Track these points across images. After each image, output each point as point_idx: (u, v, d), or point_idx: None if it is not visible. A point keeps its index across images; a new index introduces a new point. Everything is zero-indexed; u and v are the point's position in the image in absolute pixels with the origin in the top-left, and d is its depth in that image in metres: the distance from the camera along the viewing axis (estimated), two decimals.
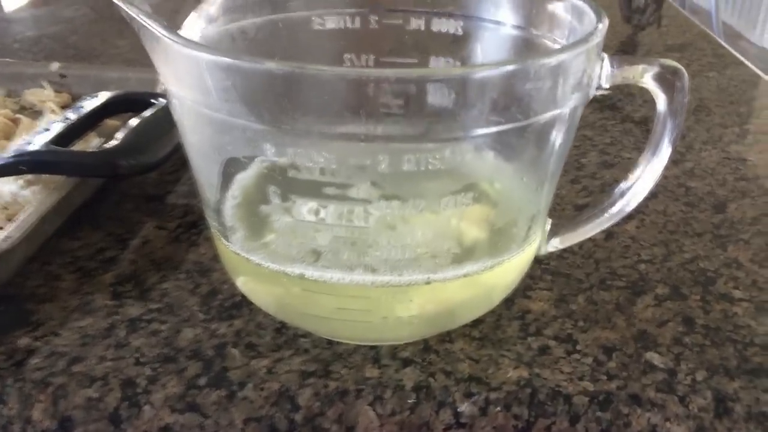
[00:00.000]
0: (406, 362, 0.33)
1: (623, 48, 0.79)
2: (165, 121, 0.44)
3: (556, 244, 0.34)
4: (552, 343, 0.34)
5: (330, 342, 0.34)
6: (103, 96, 0.47)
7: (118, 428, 0.30)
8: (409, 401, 0.31)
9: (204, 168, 0.30)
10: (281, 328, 0.34)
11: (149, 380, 0.32)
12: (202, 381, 0.32)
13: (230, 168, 0.29)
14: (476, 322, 0.35)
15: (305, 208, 0.27)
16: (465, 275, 0.30)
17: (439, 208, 0.27)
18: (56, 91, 0.55)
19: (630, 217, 0.43)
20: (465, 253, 0.29)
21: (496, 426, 0.30)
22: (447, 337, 0.34)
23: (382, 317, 0.30)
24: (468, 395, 0.31)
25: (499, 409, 0.31)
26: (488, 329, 0.34)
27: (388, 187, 0.26)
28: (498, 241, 0.31)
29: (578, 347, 0.33)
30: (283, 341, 0.34)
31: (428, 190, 0.27)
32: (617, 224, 0.42)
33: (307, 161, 0.25)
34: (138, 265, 0.39)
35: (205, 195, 0.31)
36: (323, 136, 0.25)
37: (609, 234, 0.42)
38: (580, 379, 0.32)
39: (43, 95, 0.55)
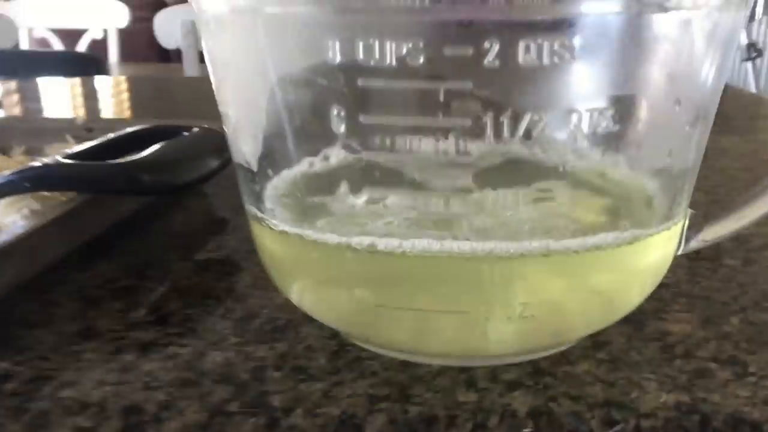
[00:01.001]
0: (513, 385, 0.24)
1: None
2: (195, 146, 0.38)
3: (703, 238, 0.26)
4: (712, 365, 0.25)
5: (405, 363, 0.25)
6: (132, 128, 0.41)
7: None
8: (525, 430, 0.22)
9: (246, 108, 0.23)
10: (339, 350, 0.26)
11: (161, 407, 0.23)
12: (233, 407, 0.23)
13: (283, 100, 0.22)
14: (599, 344, 0.26)
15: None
16: (594, 247, 0.21)
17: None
18: None
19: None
20: (588, 227, 0.21)
21: None
22: (562, 359, 0.25)
23: (482, 317, 0.22)
24: (609, 423, 0.22)
25: None
26: (617, 351, 0.25)
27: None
28: (630, 217, 0.23)
29: (750, 369, 0.24)
30: (342, 364, 0.25)
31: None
32: (756, 250, 0.34)
33: None
34: (156, 293, 0.31)
35: (246, 158, 0.24)
36: None
37: (747, 260, 0.33)
38: (766, 404, 0.22)
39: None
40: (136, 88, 1.04)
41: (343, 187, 0.21)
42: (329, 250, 0.22)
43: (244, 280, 0.33)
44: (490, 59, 0.18)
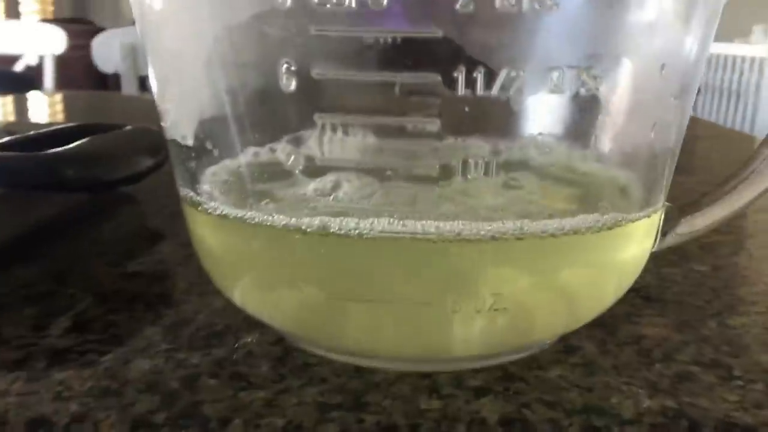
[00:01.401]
0: (481, 391, 0.21)
1: None
2: (127, 142, 0.35)
3: (678, 232, 0.24)
4: (695, 368, 0.22)
5: (359, 370, 0.22)
6: (58, 126, 0.37)
7: None
8: None
9: (181, 68, 0.20)
10: (284, 356, 0.23)
11: (74, 418, 0.20)
12: (159, 418, 0.20)
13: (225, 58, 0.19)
14: (571, 349, 0.23)
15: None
16: (573, 231, 0.19)
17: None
18: None
19: (738, 249, 0.34)
20: (565, 212, 0.19)
21: None
22: (532, 363, 0.23)
23: (448, 309, 0.19)
24: (589, 430, 0.19)
25: None
26: (591, 355, 0.23)
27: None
28: (609, 201, 0.21)
29: (735, 373, 0.22)
30: (287, 371, 0.22)
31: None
32: (724, 257, 0.32)
33: None
34: (76, 299, 0.28)
35: (181, 131, 0.21)
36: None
37: (715, 266, 0.32)
38: (758, 407, 0.20)
39: None
40: (70, 105, 1.00)
41: (291, 161, 0.19)
42: (275, 234, 0.19)
43: (178, 286, 0.29)
44: (463, 3, 0.15)
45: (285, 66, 0.17)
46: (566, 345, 0.24)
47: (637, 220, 0.21)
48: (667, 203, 0.24)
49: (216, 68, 0.19)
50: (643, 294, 0.28)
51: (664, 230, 0.24)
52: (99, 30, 2.61)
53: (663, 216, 0.24)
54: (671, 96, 0.19)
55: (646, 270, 0.29)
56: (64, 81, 2.33)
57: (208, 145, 0.20)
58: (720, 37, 3.34)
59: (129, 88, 1.75)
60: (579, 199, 0.21)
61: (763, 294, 0.29)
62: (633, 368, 0.22)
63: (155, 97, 0.22)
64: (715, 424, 0.20)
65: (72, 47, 2.33)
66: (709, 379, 0.22)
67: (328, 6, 0.16)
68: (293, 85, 0.17)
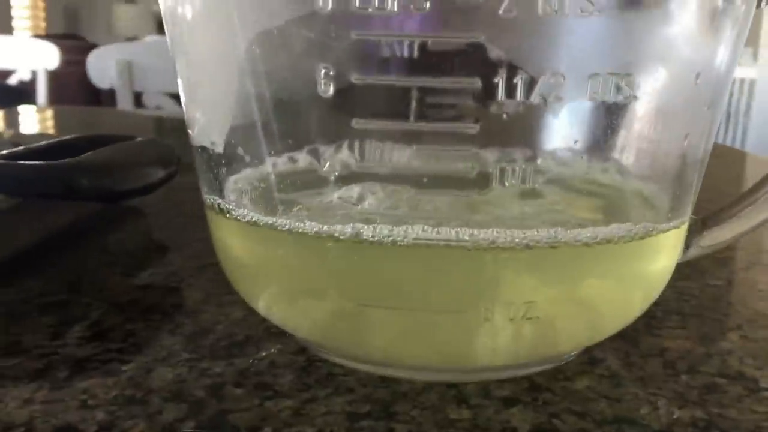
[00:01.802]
0: (510, 401, 0.21)
1: None
2: (139, 153, 0.35)
3: (704, 244, 0.24)
4: (720, 380, 0.22)
5: (384, 379, 0.22)
6: (68, 136, 0.37)
7: None
8: None
9: (212, 73, 0.20)
10: (308, 366, 0.23)
11: (101, 426, 0.19)
12: (188, 426, 0.19)
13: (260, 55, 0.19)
14: (595, 361, 0.23)
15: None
16: (605, 240, 0.19)
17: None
18: None
19: (752, 264, 0.34)
20: (597, 222, 0.19)
21: None
22: (558, 374, 0.22)
23: (481, 317, 0.19)
24: None
25: None
26: (617, 367, 0.23)
27: None
28: (641, 211, 0.21)
29: (762, 385, 0.22)
30: (313, 380, 0.22)
31: None
32: (738, 271, 0.33)
33: None
34: (93, 308, 0.27)
35: (210, 137, 0.21)
36: None
37: (730, 281, 0.32)
38: None
39: None
40: (64, 119, 0.99)
41: (326, 168, 0.19)
42: (307, 241, 0.19)
43: (193, 296, 0.29)
44: (507, 8, 0.15)
45: (323, 71, 0.17)
46: (590, 357, 0.24)
47: (667, 230, 0.21)
48: (692, 216, 0.24)
49: (248, 73, 0.19)
50: (662, 307, 0.28)
51: (687, 243, 0.24)
52: (91, 46, 2.61)
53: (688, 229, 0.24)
54: (704, 105, 0.20)
55: None
56: (57, 96, 2.33)
57: (239, 152, 0.20)
58: None
59: (124, 103, 1.75)
60: (611, 210, 0.21)
61: None
62: (659, 380, 0.22)
63: (183, 104, 0.22)
64: None
65: (64, 63, 2.33)
66: (736, 391, 0.22)
67: (370, 10, 0.16)
68: (331, 91, 0.17)
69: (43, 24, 4.62)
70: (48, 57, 2.28)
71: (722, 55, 0.19)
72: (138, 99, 1.81)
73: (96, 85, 1.93)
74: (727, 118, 3.39)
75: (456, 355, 0.20)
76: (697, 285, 0.31)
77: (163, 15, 0.21)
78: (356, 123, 0.17)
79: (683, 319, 0.27)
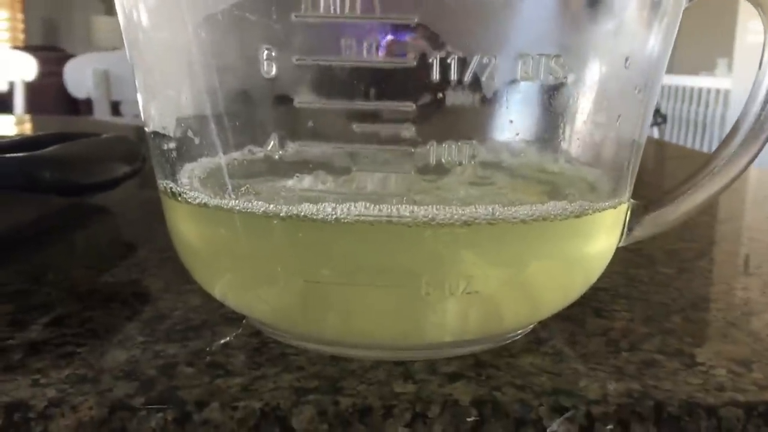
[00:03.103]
0: (454, 377, 0.22)
1: None
2: (104, 148, 0.35)
3: (644, 227, 0.25)
4: (659, 357, 0.23)
5: (335, 358, 0.22)
6: (33, 133, 0.38)
7: None
8: (469, 419, 0.20)
9: (163, 58, 0.21)
10: (261, 347, 0.23)
11: (52, 403, 0.20)
12: (137, 401, 0.20)
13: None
14: (541, 340, 0.24)
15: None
16: (542, 218, 0.20)
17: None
18: None
19: (702, 255, 0.35)
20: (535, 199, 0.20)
21: None
22: (504, 352, 0.23)
23: (422, 291, 0.20)
24: (557, 410, 0.20)
25: (611, 426, 0.20)
26: (561, 345, 0.24)
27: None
28: (577, 190, 0.21)
29: (699, 360, 0.23)
30: (264, 360, 0.22)
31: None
32: (689, 261, 0.34)
33: None
34: (53, 297, 0.28)
35: (162, 122, 0.21)
36: None
37: (681, 269, 0.33)
38: (720, 390, 0.21)
39: None
40: (42, 128, 0.99)
41: (271, 144, 0.19)
42: (254, 221, 0.20)
43: (154, 286, 0.30)
44: None
45: (266, 53, 0.18)
46: (536, 337, 0.24)
47: (603, 210, 0.21)
48: (632, 200, 0.25)
49: (195, 58, 0.19)
50: (611, 292, 0.29)
51: (630, 225, 0.25)
52: (70, 57, 2.60)
53: (629, 212, 0.25)
54: (635, 89, 0.20)
55: (615, 272, 0.30)
56: (35, 107, 2.32)
57: (189, 135, 0.21)
58: (685, 70, 3.42)
59: (101, 112, 1.75)
60: (548, 192, 0.22)
61: (724, 293, 0.30)
62: (600, 356, 0.23)
63: (139, 96, 0.22)
64: (679, 404, 0.20)
65: (43, 74, 2.32)
66: (673, 366, 0.23)
67: None
68: (274, 71, 0.18)
69: (21, 36, 4.60)
70: (26, 68, 2.27)
71: (653, 41, 0.20)
72: (116, 108, 1.81)
73: (73, 95, 1.92)
74: (703, 128, 3.44)
75: (401, 331, 0.21)
76: (647, 272, 0.31)
77: (117, 11, 0.21)
78: (298, 103, 0.18)
79: (630, 303, 0.28)
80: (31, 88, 2.30)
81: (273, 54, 0.18)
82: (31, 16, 4.53)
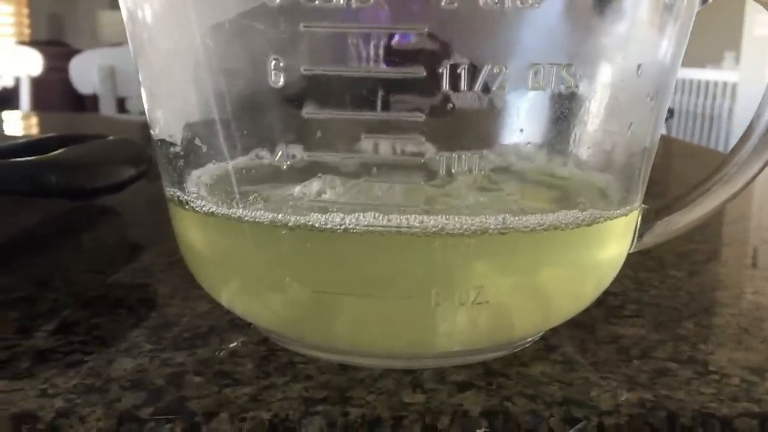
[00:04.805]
0: (464, 386, 0.21)
1: None
2: (110, 151, 0.35)
3: (658, 232, 0.24)
4: (672, 365, 0.23)
5: (343, 367, 0.22)
6: (39, 136, 0.37)
7: None
8: (480, 430, 0.19)
9: (170, 68, 0.20)
10: (269, 355, 0.23)
11: (59, 413, 0.20)
12: (145, 412, 0.20)
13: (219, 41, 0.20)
14: (551, 347, 0.24)
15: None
16: (553, 227, 0.20)
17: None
18: None
19: (713, 257, 0.34)
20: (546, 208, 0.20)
21: None
22: (514, 361, 0.23)
23: (432, 302, 0.20)
24: (569, 421, 0.20)
25: None
26: (572, 352, 0.24)
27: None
28: (588, 199, 0.21)
29: (711, 368, 0.23)
30: (273, 368, 0.22)
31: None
32: (700, 264, 0.33)
33: None
34: (59, 303, 0.28)
35: (169, 130, 0.21)
36: None
37: (691, 272, 0.32)
38: (734, 400, 0.21)
39: None
40: (47, 124, 0.99)
41: (279, 154, 0.19)
42: (262, 230, 0.20)
43: (160, 291, 0.30)
44: (448, 0, 0.16)
45: (273, 63, 0.17)
46: (546, 344, 0.24)
47: (615, 218, 0.21)
48: (644, 205, 0.24)
49: (203, 67, 0.19)
50: (621, 297, 0.29)
51: (641, 232, 0.24)
52: (75, 52, 2.60)
53: (640, 218, 0.24)
54: (647, 96, 0.20)
55: (625, 275, 0.30)
56: (40, 102, 2.32)
57: (196, 143, 0.20)
58: (692, 63, 3.41)
59: (107, 109, 1.75)
60: (559, 199, 0.21)
61: (737, 297, 0.30)
62: (612, 365, 0.23)
63: (145, 103, 0.22)
64: (693, 415, 0.20)
65: (49, 69, 2.32)
66: (686, 374, 0.22)
67: (316, 2, 0.16)
68: (281, 82, 0.18)
69: (27, 31, 4.61)
70: (32, 63, 2.27)
71: (665, 48, 0.20)
72: (121, 104, 1.81)
73: (79, 91, 1.92)
74: (711, 121, 3.42)
75: (411, 340, 0.21)
76: (657, 276, 0.31)
77: (123, 17, 0.21)
78: (306, 113, 0.18)
79: (641, 309, 0.28)
80: (36, 84, 2.30)
81: (281, 64, 0.17)
82: (36, 11, 4.53)
